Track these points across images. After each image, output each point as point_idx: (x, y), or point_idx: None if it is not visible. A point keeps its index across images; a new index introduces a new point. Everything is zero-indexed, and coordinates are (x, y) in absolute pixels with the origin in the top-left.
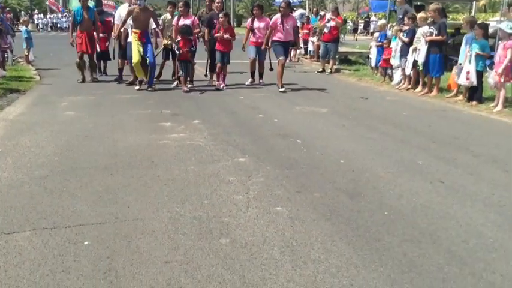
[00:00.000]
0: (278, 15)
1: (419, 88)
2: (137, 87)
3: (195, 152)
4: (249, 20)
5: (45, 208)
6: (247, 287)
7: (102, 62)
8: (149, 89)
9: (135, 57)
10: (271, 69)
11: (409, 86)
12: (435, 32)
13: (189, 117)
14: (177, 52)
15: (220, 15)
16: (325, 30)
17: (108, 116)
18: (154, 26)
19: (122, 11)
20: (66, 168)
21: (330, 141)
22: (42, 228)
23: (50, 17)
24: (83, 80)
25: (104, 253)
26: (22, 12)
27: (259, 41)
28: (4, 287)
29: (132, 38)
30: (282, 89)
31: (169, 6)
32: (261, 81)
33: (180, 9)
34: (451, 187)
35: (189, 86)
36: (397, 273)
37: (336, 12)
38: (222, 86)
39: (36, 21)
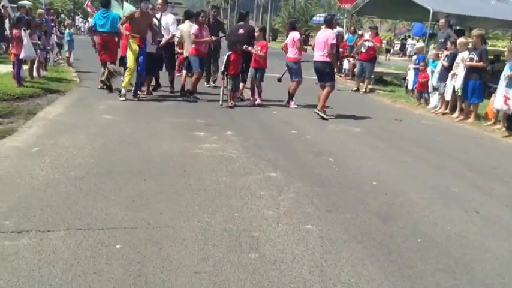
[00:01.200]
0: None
1: (456, 114)
2: (122, 98)
3: (227, 163)
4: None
5: (79, 209)
6: None
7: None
8: (135, 98)
9: (133, 61)
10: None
11: (446, 111)
12: (476, 58)
13: (222, 128)
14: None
15: (256, 29)
16: (362, 50)
17: (144, 122)
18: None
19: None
20: (102, 170)
21: (363, 162)
22: (76, 228)
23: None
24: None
25: (135, 258)
26: (62, 15)
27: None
28: (37, 285)
29: (131, 43)
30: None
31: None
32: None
33: (202, 18)
34: (487, 218)
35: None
36: None
37: (375, 32)
38: (257, 101)
39: (78, 24)
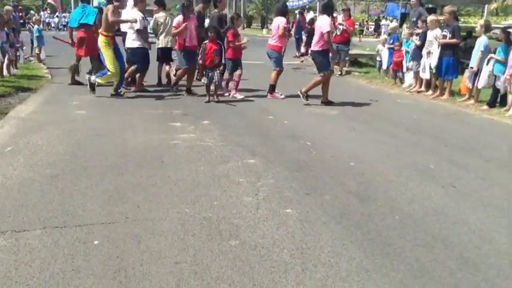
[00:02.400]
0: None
1: (430, 91)
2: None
3: (204, 152)
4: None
5: (55, 207)
6: None
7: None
8: (119, 94)
9: (115, 62)
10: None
11: (420, 89)
12: (449, 35)
13: (199, 117)
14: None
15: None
16: (337, 32)
17: (119, 116)
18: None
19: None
20: (77, 167)
21: (340, 144)
22: (52, 227)
23: (64, 16)
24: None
25: (114, 253)
26: (32, 12)
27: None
28: (14, 285)
29: (107, 43)
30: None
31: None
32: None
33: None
34: (463, 192)
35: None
36: (408, 279)
37: (347, 14)
38: (235, 94)
39: (45, 20)
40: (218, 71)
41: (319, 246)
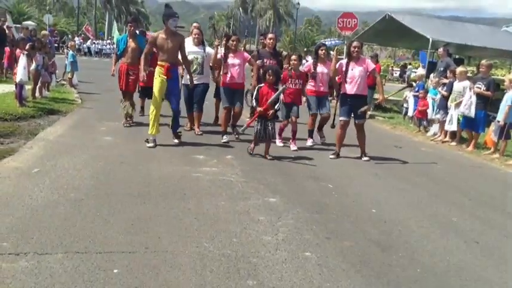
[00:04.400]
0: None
1: (455, 142)
2: (150, 144)
3: (226, 187)
4: (310, 62)
5: (78, 231)
6: None
7: (146, 100)
8: (175, 140)
9: (155, 103)
10: (333, 125)
11: (446, 139)
12: (483, 87)
13: (222, 151)
14: (252, 105)
15: (293, 57)
16: None
17: (145, 144)
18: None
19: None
20: (101, 193)
21: (362, 189)
22: (74, 252)
23: (95, 43)
24: (130, 124)
25: (133, 283)
26: (69, 36)
27: (321, 90)
28: None
29: (156, 73)
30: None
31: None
32: (320, 133)
33: (232, 42)
34: (486, 248)
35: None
36: None
37: (375, 60)
38: (293, 147)
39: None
40: (270, 124)
41: None
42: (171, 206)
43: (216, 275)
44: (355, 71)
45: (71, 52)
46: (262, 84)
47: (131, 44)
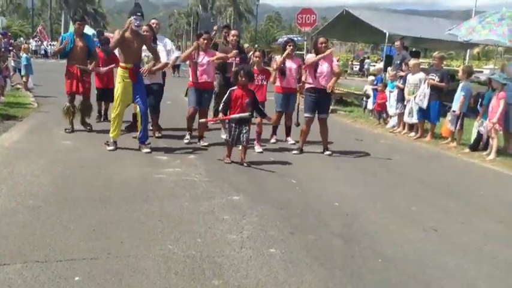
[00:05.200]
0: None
1: (413, 133)
2: (110, 148)
3: (190, 187)
4: (278, 58)
5: (37, 240)
6: None
7: (103, 103)
8: (144, 149)
9: (118, 106)
10: (298, 123)
11: (404, 131)
12: (437, 79)
13: (185, 152)
14: (218, 108)
15: (256, 53)
16: None
17: (105, 147)
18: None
19: None
20: (61, 199)
21: (325, 183)
22: (33, 261)
23: (51, 44)
24: (72, 130)
25: None
26: (21, 39)
27: (289, 86)
28: None
29: (120, 76)
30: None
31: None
32: (288, 139)
33: (204, 41)
34: (444, 235)
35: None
36: None
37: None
38: (258, 149)
39: (32, 48)
40: (247, 128)
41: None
42: (134, 209)
43: (181, 277)
44: (324, 66)
45: (24, 55)
46: (235, 87)
47: (79, 43)
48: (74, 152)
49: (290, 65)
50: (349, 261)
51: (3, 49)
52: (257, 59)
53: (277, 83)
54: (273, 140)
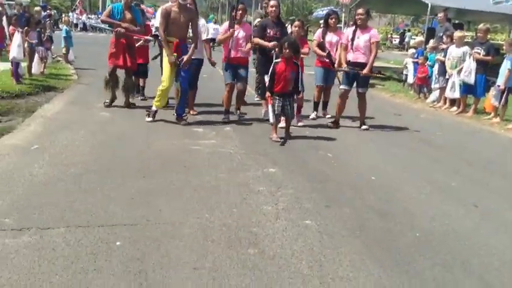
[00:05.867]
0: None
1: (455, 107)
2: (149, 119)
3: (225, 159)
4: (319, 31)
5: (79, 206)
6: None
7: (140, 80)
8: (181, 121)
9: (168, 79)
10: None
11: (446, 106)
12: (482, 52)
13: (221, 124)
14: (264, 83)
15: (296, 23)
16: None
17: (142, 119)
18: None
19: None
20: (101, 168)
21: (362, 157)
22: (76, 226)
23: (90, 17)
24: (111, 103)
25: (135, 255)
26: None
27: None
28: (38, 282)
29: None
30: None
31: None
32: (325, 113)
33: (239, 12)
34: (485, 212)
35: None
36: None
37: None
38: (298, 122)
39: (75, 21)
40: (290, 101)
41: (337, 259)
42: (171, 178)
43: (218, 245)
44: (360, 40)
45: (65, 27)
46: (279, 60)
47: (127, 15)
48: (112, 123)
49: (331, 38)
50: (386, 234)
51: (43, 21)
52: (296, 28)
53: (317, 58)
54: (312, 116)
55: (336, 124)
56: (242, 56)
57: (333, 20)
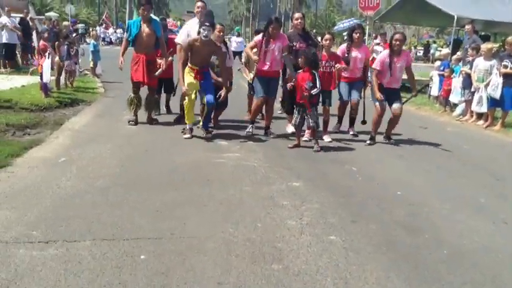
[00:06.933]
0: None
1: (482, 121)
2: (187, 136)
3: (249, 172)
4: (343, 46)
5: (105, 219)
6: None
7: (165, 94)
8: (206, 134)
9: (190, 96)
10: (364, 121)
11: (472, 119)
12: (510, 65)
13: (244, 138)
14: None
15: (326, 36)
16: (374, 55)
17: (167, 132)
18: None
19: (192, 27)
20: (127, 181)
21: (387, 171)
22: (101, 239)
23: (116, 31)
24: (136, 122)
25: (160, 269)
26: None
27: (354, 76)
28: None
29: (187, 72)
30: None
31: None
32: (350, 130)
33: (271, 28)
34: None
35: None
36: None
37: (384, 37)
38: (327, 139)
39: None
40: (310, 112)
41: (363, 277)
42: (196, 192)
43: (242, 260)
44: (397, 67)
45: (92, 41)
46: (300, 71)
47: (145, 29)
48: (138, 136)
49: (356, 54)
50: (413, 251)
51: (73, 35)
52: (327, 42)
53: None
54: (333, 129)
55: (373, 141)
56: (276, 69)
57: (358, 34)
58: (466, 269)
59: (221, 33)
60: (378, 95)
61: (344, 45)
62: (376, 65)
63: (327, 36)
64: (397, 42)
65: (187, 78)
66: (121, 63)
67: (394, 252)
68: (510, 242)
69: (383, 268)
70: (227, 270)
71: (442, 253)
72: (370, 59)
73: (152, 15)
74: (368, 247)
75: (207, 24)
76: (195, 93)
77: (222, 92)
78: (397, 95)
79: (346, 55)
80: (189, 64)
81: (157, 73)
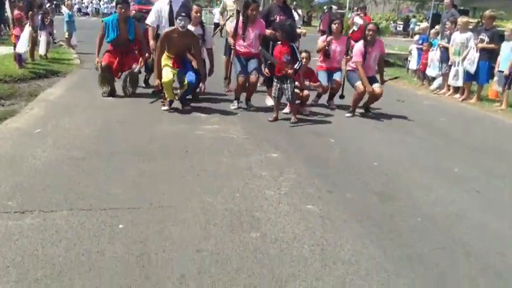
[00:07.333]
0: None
1: (458, 94)
2: (165, 108)
3: (228, 144)
4: (323, 37)
5: (82, 189)
6: (276, 282)
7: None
8: (184, 107)
9: (167, 75)
10: (342, 96)
11: (449, 93)
12: (487, 39)
13: (224, 110)
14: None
15: (303, 54)
16: (355, 28)
17: (146, 104)
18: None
19: (162, 7)
20: (103, 151)
21: (364, 143)
22: (79, 208)
23: (93, 2)
24: (111, 93)
25: (138, 237)
26: None
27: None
28: (41, 264)
29: (164, 59)
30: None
31: None
32: (330, 103)
33: (252, 12)
34: (488, 198)
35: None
36: (428, 282)
37: (364, 10)
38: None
39: (77, 6)
40: (289, 83)
41: (339, 243)
42: (174, 163)
43: (220, 229)
44: (371, 57)
45: (67, 12)
46: (278, 43)
47: (123, 30)
48: (114, 108)
49: (335, 47)
50: (388, 219)
51: (47, 5)
52: (304, 60)
53: (320, 63)
54: (309, 102)
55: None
56: (253, 51)
57: (336, 25)
58: (438, 236)
59: (198, 14)
60: (371, 88)
61: (323, 37)
62: (357, 57)
63: (304, 54)
64: (371, 32)
65: (165, 71)
66: (97, 63)
67: (368, 220)
68: (481, 210)
69: (358, 235)
70: (205, 238)
71: (416, 221)
72: (350, 31)
73: None
74: (344, 215)
75: (183, 14)
76: (173, 74)
77: (203, 87)
78: (373, 80)
79: (327, 47)
80: (166, 53)
81: (136, 69)
